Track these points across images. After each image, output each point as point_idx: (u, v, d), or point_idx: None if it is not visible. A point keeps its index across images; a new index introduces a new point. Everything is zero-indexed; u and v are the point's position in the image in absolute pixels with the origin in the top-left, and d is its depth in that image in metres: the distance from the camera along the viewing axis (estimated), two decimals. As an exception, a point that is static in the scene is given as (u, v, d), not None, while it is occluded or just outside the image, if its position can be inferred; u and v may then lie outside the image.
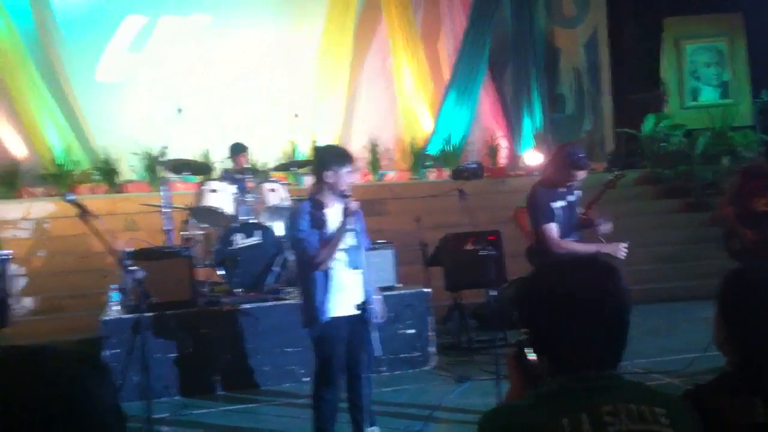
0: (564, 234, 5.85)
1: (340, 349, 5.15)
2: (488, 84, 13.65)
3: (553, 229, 5.80)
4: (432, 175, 13.05)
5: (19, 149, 12.13)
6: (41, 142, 12.05)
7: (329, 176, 5.04)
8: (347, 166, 5.09)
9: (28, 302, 9.35)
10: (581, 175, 5.87)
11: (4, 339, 7.48)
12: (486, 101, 13.67)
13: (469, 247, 8.49)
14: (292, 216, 5.36)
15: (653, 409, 1.78)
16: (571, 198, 5.97)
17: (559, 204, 5.89)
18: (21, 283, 9.45)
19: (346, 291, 5.11)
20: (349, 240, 5.09)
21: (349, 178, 5.10)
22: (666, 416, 1.78)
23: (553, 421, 1.74)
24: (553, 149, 7.36)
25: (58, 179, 11.67)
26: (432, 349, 7.75)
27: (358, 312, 5.11)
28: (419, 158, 13.02)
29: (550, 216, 5.83)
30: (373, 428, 5.36)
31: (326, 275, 5.06)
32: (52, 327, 8.53)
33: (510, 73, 13.89)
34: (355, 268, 5.11)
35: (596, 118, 14.18)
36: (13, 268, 8.67)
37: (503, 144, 13.60)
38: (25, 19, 12.22)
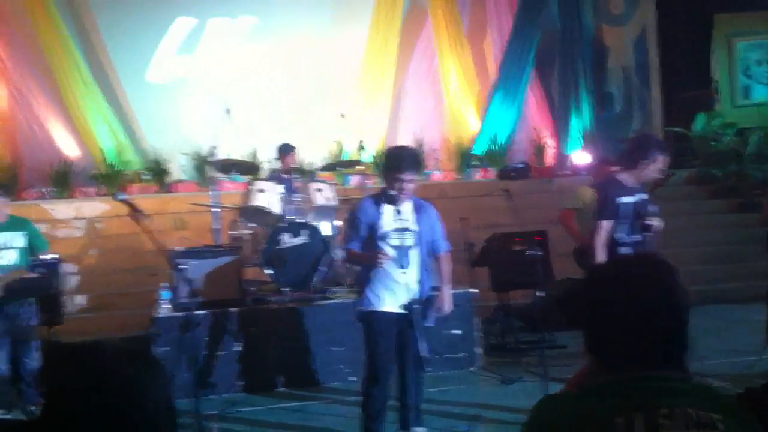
0: (629, 231, 5.65)
1: (386, 346, 5.19)
2: (535, 83, 13.57)
3: (603, 227, 5.63)
4: (478, 175, 13.01)
5: (71, 150, 12.38)
6: (93, 142, 12.28)
7: (396, 181, 5.09)
8: (408, 172, 5.12)
9: (80, 300, 9.55)
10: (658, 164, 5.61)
11: (57, 336, 7.65)
12: (532, 100, 13.59)
13: (515, 247, 8.44)
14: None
15: (711, 414, 1.73)
16: (642, 195, 5.73)
17: (627, 199, 5.68)
18: (73, 281, 9.65)
19: (393, 288, 5.15)
20: (402, 239, 5.13)
21: (410, 183, 5.14)
22: (722, 422, 1.73)
23: (607, 419, 1.72)
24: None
25: (109, 179, 11.89)
26: (477, 350, 7.74)
27: (405, 311, 5.13)
28: (465, 158, 12.99)
29: (610, 213, 5.62)
30: (421, 429, 5.37)
31: (375, 269, 5.12)
32: (103, 324, 8.70)
33: (557, 71, 13.79)
34: (402, 267, 5.14)
35: (645, 116, 14.00)
36: (65, 266, 8.87)
37: (550, 143, 13.50)
38: (75, 22, 12.46)
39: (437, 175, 13.10)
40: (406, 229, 5.12)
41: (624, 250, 5.59)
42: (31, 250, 6.45)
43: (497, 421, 6.14)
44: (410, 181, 5.14)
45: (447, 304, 5.41)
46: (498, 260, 8.57)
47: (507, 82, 13.18)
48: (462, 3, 13.59)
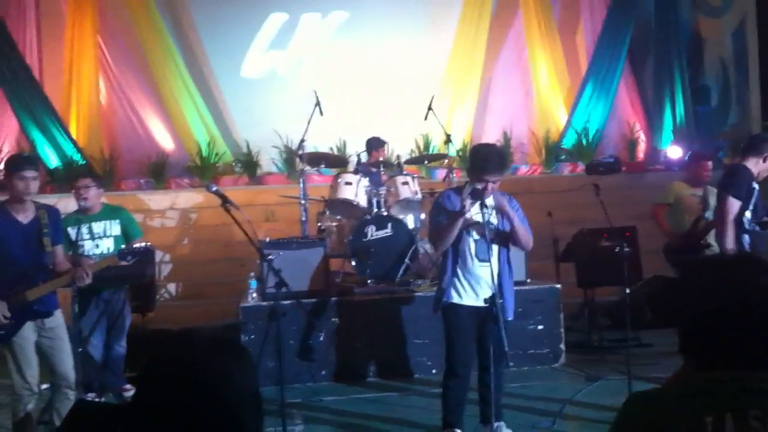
0: (751, 218, 5.63)
1: (465, 339, 5.22)
2: (627, 75, 13.27)
3: (734, 204, 5.61)
4: (566, 170, 12.83)
5: (167, 143, 12.78)
6: (188, 135, 12.64)
7: (479, 180, 5.09)
8: (492, 175, 5.12)
9: (172, 288, 9.87)
10: None
11: (149, 322, 7.93)
12: (624, 93, 13.30)
13: (603, 243, 8.29)
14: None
15: None
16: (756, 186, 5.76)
17: (756, 186, 5.67)
18: (166, 269, 9.98)
19: (472, 281, 5.17)
20: (482, 232, 5.12)
21: (493, 184, 5.13)
22: None
23: (696, 418, 1.70)
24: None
25: (202, 171, 12.22)
26: (561, 347, 7.66)
27: (485, 305, 5.11)
28: (553, 152, 12.82)
29: (743, 193, 5.63)
30: (500, 423, 5.36)
31: (455, 261, 5.15)
32: (193, 313, 8.97)
33: (651, 64, 13.44)
34: (482, 260, 5.13)
35: (742, 111, 13.52)
36: (159, 255, 9.19)
37: (642, 138, 13.19)
38: (173, 19, 12.84)
39: (524, 169, 12.98)
40: (488, 222, 5.11)
41: (745, 238, 5.55)
42: (126, 237, 6.69)
43: (580, 419, 6.08)
44: (495, 182, 5.13)
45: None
46: (585, 256, 8.45)
47: (598, 74, 12.94)
48: (553, -7, 13.41)
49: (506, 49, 13.51)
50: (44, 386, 5.61)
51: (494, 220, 5.21)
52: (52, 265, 5.38)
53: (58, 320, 5.40)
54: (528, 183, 12.01)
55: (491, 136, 12.65)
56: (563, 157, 12.82)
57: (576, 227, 8.83)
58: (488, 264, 5.09)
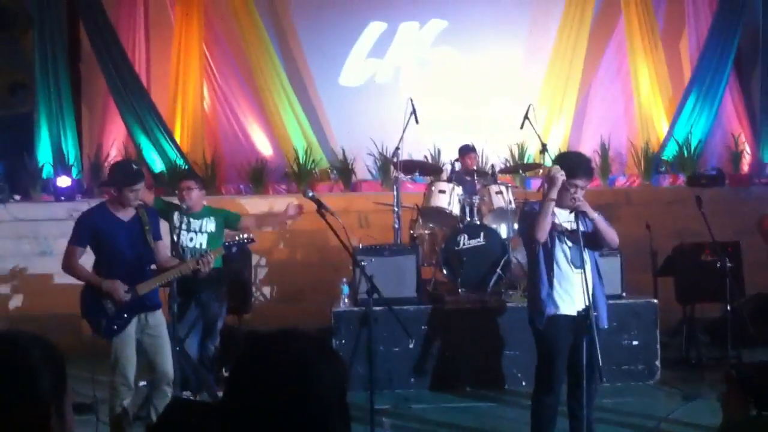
0: None
1: (561, 351, 5.14)
2: (733, 85, 12.81)
3: None
4: (666, 181, 12.49)
5: (267, 149, 13.06)
6: (287, 142, 12.88)
7: (568, 187, 5.04)
8: (583, 179, 5.08)
9: (267, 291, 10.08)
10: None
11: (245, 323, 8.12)
12: (729, 103, 12.84)
13: (704, 257, 8.08)
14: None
15: None
16: None
17: None
18: (262, 272, 10.20)
19: (569, 287, 5.09)
20: (573, 239, 5.07)
21: (578, 192, 5.08)
22: None
23: None
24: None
25: (299, 177, 12.44)
26: (657, 363, 7.46)
27: (581, 314, 5.02)
28: (653, 163, 12.50)
29: None
30: None
31: (549, 270, 5.08)
32: (288, 315, 9.13)
33: (759, 73, 12.95)
34: (577, 267, 5.07)
35: None
36: (255, 258, 9.40)
37: (747, 150, 12.71)
38: (275, 28, 13.12)
39: (623, 180, 12.71)
40: (577, 229, 5.04)
41: None
42: (227, 223, 6.95)
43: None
44: (583, 187, 5.08)
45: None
46: (685, 270, 8.23)
47: (702, 83, 12.53)
48: (657, 1, 13.08)
49: (606, 57, 13.26)
50: (141, 383, 5.82)
51: (583, 226, 5.14)
52: (156, 260, 5.60)
53: (160, 318, 5.59)
54: (626, 194, 11.75)
55: (589, 146, 12.43)
56: (663, 168, 12.48)
57: (676, 240, 8.61)
58: (582, 271, 5.02)
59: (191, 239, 6.76)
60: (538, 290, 5.16)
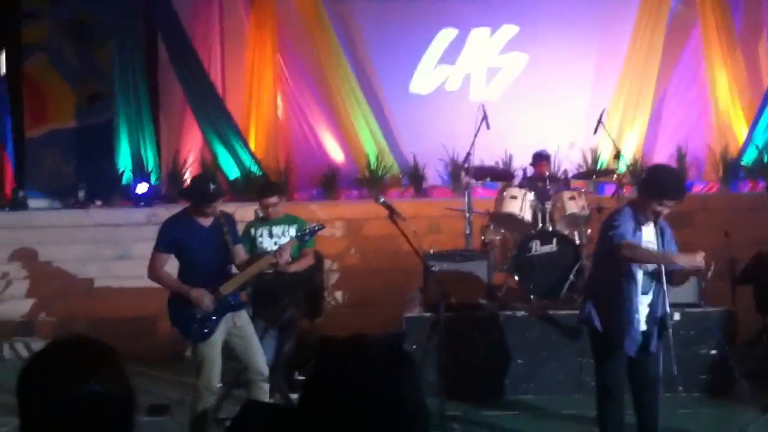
0: None
1: (617, 362, 5.17)
2: (816, 88, 12.41)
3: None
4: (745, 188, 12.16)
5: (338, 155, 13.19)
6: (358, 149, 12.99)
7: (656, 207, 4.99)
8: (675, 201, 5.02)
9: (339, 296, 10.17)
10: None
11: (318, 328, 8.21)
12: (812, 107, 12.44)
13: (785, 265, 7.84)
14: (613, 213, 5.39)
15: None
16: None
17: None
18: (334, 278, 10.29)
19: (639, 307, 5.08)
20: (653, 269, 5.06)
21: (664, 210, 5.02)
22: None
23: None
24: None
25: (370, 183, 12.51)
26: (735, 374, 7.27)
27: (643, 329, 5.06)
28: (731, 169, 12.18)
29: None
30: None
31: (632, 290, 5.04)
32: (358, 321, 9.17)
33: None
34: (644, 293, 5.13)
35: None
36: (327, 263, 9.49)
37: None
38: (346, 36, 13.25)
39: (700, 186, 12.42)
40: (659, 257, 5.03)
41: None
42: (299, 246, 7.07)
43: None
44: (671, 207, 5.01)
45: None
46: (765, 278, 8.00)
47: (782, 87, 12.18)
48: (734, 3, 12.77)
49: (682, 61, 12.99)
50: (218, 385, 5.94)
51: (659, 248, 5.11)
52: (236, 264, 5.72)
53: (246, 317, 5.74)
54: (704, 200, 11.48)
55: (664, 152, 12.21)
56: (742, 174, 12.16)
57: (755, 248, 8.37)
58: (650, 294, 5.11)
59: (275, 243, 6.89)
60: (626, 312, 5.08)
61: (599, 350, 5.28)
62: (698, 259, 4.92)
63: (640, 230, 5.06)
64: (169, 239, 5.56)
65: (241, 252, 5.79)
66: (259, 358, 5.67)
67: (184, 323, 5.51)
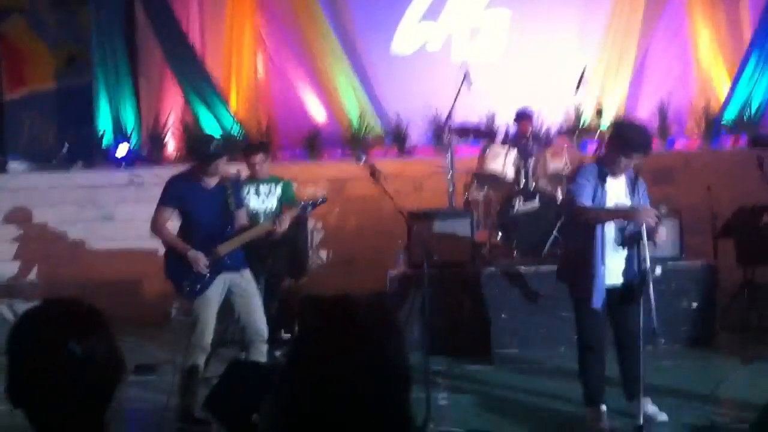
0: None
1: (597, 318, 5.27)
2: (796, 44, 12.42)
3: None
4: (727, 143, 12.21)
5: (320, 115, 13.10)
6: (340, 108, 12.90)
7: (622, 161, 5.03)
8: (641, 154, 5.06)
9: (323, 255, 10.19)
10: None
11: (301, 288, 8.24)
12: (792, 64, 12.46)
13: (765, 219, 7.93)
14: (574, 171, 5.46)
15: None
16: None
17: None
18: (318, 237, 10.30)
19: (608, 262, 5.14)
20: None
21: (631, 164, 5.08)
22: None
23: None
24: None
25: (353, 142, 12.45)
26: (717, 326, 7.37)
27: (619, 283, 5.13)
28: (713, 125, 12.22)
29: None
30: (646, 399, 5.29)
31: (595, 246, 5.10)
32: (343, 280, 9.21)
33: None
34: (621, 246, 5.22)
35: None
36: (311, 223, 9.50)
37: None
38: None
39: (682, 143, 12.46)
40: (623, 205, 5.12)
41: None
42: (281, 202, 7.12)
43: (734, 402, 5.86)
44: (638, 160, 5.06)
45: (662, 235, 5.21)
46: (745, 232, 8.09)
47: (763, 45, 12.17)
48: (717, -40, 12.71)
49: (665, 18, 12.92)
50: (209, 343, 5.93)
51: (628, 201, 5.21)
52: (235, 227, 5.73)
53: (248, 278, 5.76)
54: (686, 157, 11.53)
55: (646, 108, 12.21)
56: (724, 131, 12.20)
57: (737, 203, 8.44)
58: (625, 249, 5.21)
59: (262, 202, 6.97)
60: (591, 267, 5.16)
61: (576, 305, 5.37)
62: (648, 216, 4.96)
63: (604, 185, 5.11)
64: (172, 194, 5.65)
65: (242, 217, 5.82)
66: (259, 318, 5.71)
67: (178, 277, 5.58)
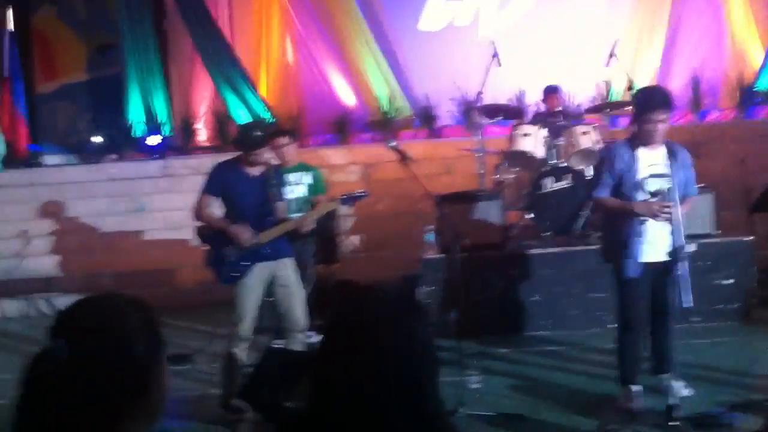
0: None
1: (637, 295, 5.20)
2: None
3: None
4: (762, 113, 11.99)
5: (349, 99, 13.09)
6: (369, 92, 12.89)
7: (647, 125, 4.99)
8: (661, 112, 4.99)
9: (354, 241, 10.22)
10: None
11: (333, 273, 8.28)
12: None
13: (801, 192, 7.78)
14: (599, 157, 5.46)
15: None
16: None
17: None
18: (348, 223, 10.33)
19: (651, 237, 5.07)
20: (658, 185, 5.02)
21: (662, 123, 5.00)
22: None
23: None
24: None
25: (382, 126, 12.44)
26: (753, 302, 7.28)
27: (663, 260, 5.05)
28: (747, 95, 12.00)
29: None
30: (667, 375, 5.32)
31: (629, 223, 5.06)
32: (375, 264, 9.23)
33: None
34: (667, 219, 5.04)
35: None
36: (342, 209, 9.50)
37: None
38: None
39: (715, 114, 12.26)
40: (662, 175, 5.01)
41: None
42: (312, 192, 7.06)
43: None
44: (662, 121, 4.98)
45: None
46: (781, 206, 7.95)
47: (799, 10, 11.91)
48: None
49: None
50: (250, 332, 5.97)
51: (668, 171, 5.07)
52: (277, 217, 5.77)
53: (291, 267, 5.76)
54: (720, 129, 11.35)
55: (679, 80, 12.02)
56: (758, 100, 11.98)
57: (772, 175, 8.31)
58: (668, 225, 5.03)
59: (292, 191, 6.90)
60: (618, 238, 5.16)
61: (617, 283, 5.32)
62: (654, 209, 4.96)
63: (635, 158, 5.07)
64: (215, 182, 5.67)
65: (280, 208, 5.79)
66: (299, 308, 5.70)
67: (216, 263, 5.61)
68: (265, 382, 5.31)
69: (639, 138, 5.13)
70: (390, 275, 8.25)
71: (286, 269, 5.72)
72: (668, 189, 5.01)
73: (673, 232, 5.00)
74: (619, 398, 5.34)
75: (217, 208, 5.80)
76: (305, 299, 5.86)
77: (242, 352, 5.62)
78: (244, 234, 5.50)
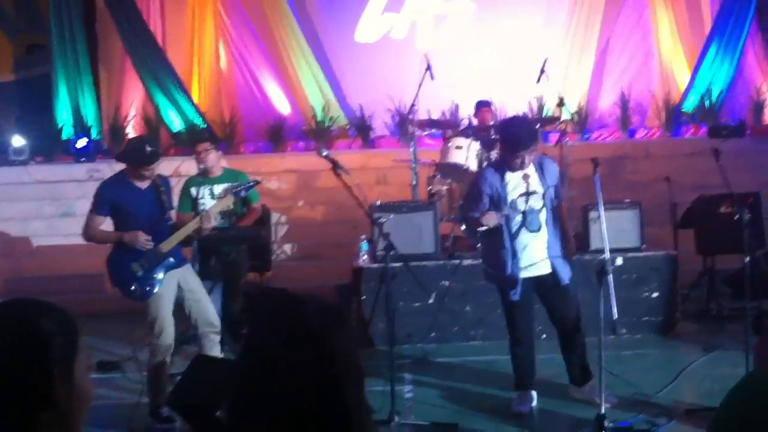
0: None
1: (523, 309, 5.49)
2: (755, 34, 12.59)
3: None
4: (687, 133, 12.37)
5: (284, 107, 13.03)
6: (304, 99, 12.86)
7: (513, 159, 5.26)
8: (525, 151, 5.20)
9: (287, 248, 10.14)
10: None
11: (266, 281, 8.21)
12: (751, 54, 12.64)
13: (724, 209, 8.02)
14: (473, 183, 5.74)
15: None
16: None
17: None
18: (282, 230, 10.25)
19: (526, 252, 5.24)
20: (529, 203, 5.28)
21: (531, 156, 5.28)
22: None
23: None
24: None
25: (318, 134, 12.42)
26: (677, 315, 7.48)
27: (544, 273, 5.33)
28: (673, 115, 12.37)
29: None
30: (590, 384, 5.56)
31: (506, 236, 5.29)
32: (308, 272, 9.19)
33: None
34: (534, 230, 5.33)
35: None
36: (275, 216, 9.44)
37: (770, 100, 12.52)
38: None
39: (643, 133, 12.60)
40: (533, 192, 5.24)
41: None
42: (244, 201, 6.92)
43: (696, 390, 5.96)
44: (531, 155, 5.23)
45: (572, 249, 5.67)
46: (705, 222, 8.19)
47: (723, 33, 12.33)
48: (678, -50, 12.82)
49: (626, 8, 13.05)
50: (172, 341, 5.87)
51: (539, 187, 5.33)
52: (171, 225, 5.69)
53: (191, 272, 5.74)
54: (646, 146, 11.67)
55: (608, 98, 12.34)
56: (684, 120, 12.35)
57: (696, 193, 8.55)
58: (539, 233, 5.35)
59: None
60: (493, 252, 5.44)
61: (502, 300, 5.54)
62: (489, 219, 5.19)
63: (504, 182, 5.31)
64: (104, 201, 5.54)
65: (173, 217, 5.80)
66: (209, 309, 5.69)
67: (125, 283, 5.48)
68: (194, 390, 5.20)
69: (507, 164, 5.33)
70: (323, 283, 8.22)
71: (190, 274, 5.71)
72: (539, 207, 5.32)
73: (548, 244, 5.32)
74: (513, 402, 5.59)
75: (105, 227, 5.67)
76: (229, 305, 5.81)
77: (168, 359, 5.54)
78: (140, 237, 5.40)
